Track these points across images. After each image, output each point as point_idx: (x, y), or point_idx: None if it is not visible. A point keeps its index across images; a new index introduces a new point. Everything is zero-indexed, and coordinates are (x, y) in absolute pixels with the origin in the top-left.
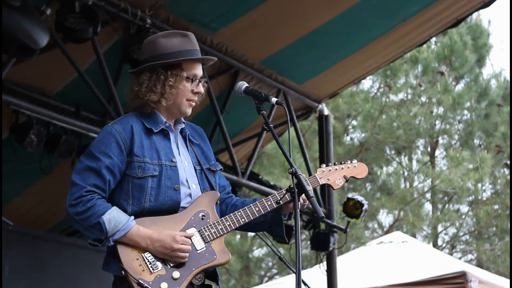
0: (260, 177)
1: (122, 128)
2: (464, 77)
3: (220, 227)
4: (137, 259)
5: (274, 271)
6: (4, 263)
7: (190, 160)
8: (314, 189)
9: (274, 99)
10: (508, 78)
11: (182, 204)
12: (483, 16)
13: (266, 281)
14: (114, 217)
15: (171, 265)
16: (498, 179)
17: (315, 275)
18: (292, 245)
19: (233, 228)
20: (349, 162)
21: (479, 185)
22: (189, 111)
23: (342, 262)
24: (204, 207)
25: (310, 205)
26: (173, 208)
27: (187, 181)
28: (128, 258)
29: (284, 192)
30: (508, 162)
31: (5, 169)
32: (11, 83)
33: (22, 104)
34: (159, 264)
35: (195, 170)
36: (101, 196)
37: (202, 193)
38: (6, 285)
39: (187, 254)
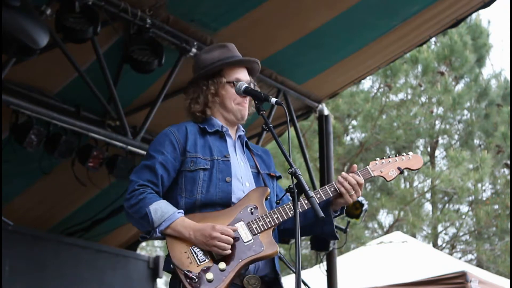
0: None
1: (177, 129)
2: (464, 77)
3: (268, 219)
4: (185, 252)
5: None
6: (4, 263)
7: (246, 162)
8: (314, 189)
9: (273, 99)
10: (508, 78)
11: (234, 198)
12: (483, 16)
13: None
14: (160, 208)
15: (218, 256)
16: (498, 179)
17: (315, 275)
18: (292, 245)
19: (281, 220)
20: (404, 154)
21: (479, 185)
22: (245, 113)
23: (342, 262)
24: (253, 202)
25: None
26: (225, 199)
27: (241, 178)
28: (177, 252)
29: (285, 192)
30: (508, 162)
31: (5, 169)
32: (11, 83)
33: (22, 104)
34: (206, 257)
35: (251, 172)
36: (154, 190)
37: None
38: (6, 285)
39: (227, 246)
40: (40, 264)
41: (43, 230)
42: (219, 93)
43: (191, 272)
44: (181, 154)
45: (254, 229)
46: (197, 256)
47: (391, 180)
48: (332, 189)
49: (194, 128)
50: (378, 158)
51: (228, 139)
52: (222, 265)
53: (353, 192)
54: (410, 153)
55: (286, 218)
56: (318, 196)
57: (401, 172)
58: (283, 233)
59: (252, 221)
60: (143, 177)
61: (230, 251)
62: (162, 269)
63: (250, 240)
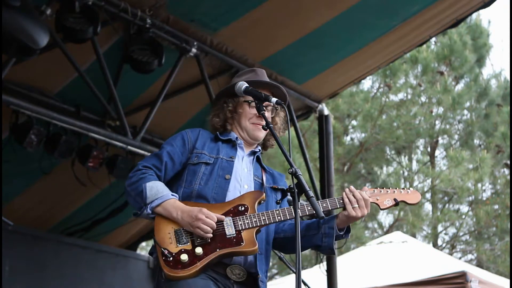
0: None
1: (191, 131)
2: (464, 77)
3: (255, 220)
4: (169, 233)
5: (274, 271)
6: (4, 263)
7: (251, 170)
8: (314, 189)
9: (274, 99)
10: (508, 78)
11: (229, 196)
12: (483, 16)
13: None
14: (156, 186)
15: (198, 242)
16: (498, 179)
17: (315, 275)
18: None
19: (267, 223)
20: (403, 188)
21: (479, 185)
22: (259, 134)
23: (342, 262)
24: (245, 202)
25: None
26: (220, 195)
27: (241, 180)
28: (162, 232)
29: (286, 192)
30: (508, 162)
31: (5, 169)
32: (11, 83)
33: (22, 104)
34: (187, 241)
35: (254, 180)
36: (156, 174)
37: None
38: (6, 285)
39: (209, 229)
40: (40, 264)
41: (43, 230)
42: (237, 110)
43: (167, 250)
44: (189, 151)
45: (239, 225)
46: (179, 238)
47: (384, 209)
48: (341, 201)
49: (208, 134)
50: (378, 187)
51: (239, 149)
52: (199, 250)
53: (357, 205)
54: (411, 188)
55: (272, 221)
56: (324, 204)
57: (396, 204)
58: (283, 242)
59: (239, 217)
60: (149, 161)
61: (211, 235)
62: (149, 253)
63: (232, 234)
